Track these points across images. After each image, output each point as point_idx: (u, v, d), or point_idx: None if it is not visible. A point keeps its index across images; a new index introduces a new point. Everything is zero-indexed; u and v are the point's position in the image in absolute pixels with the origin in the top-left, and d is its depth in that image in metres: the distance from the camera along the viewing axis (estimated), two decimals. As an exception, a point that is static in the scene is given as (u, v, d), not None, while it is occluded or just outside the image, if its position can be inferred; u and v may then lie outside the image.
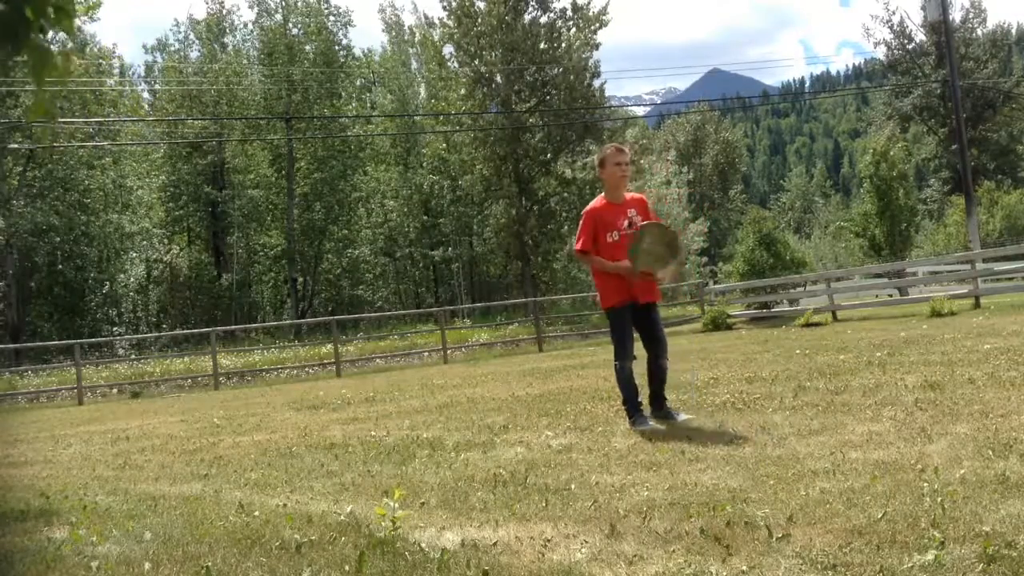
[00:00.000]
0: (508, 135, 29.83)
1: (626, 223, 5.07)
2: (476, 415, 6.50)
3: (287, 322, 28.70)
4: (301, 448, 5.62)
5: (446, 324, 20.74)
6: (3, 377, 19.41)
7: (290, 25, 36.83)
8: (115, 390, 18.31)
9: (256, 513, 3.48)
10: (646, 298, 5.13)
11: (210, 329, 21.33)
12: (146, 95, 40.56)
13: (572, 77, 29.98)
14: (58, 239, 28.80)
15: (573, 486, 3.43)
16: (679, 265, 4.99)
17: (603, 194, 5.23)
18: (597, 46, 30.96)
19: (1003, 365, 5.96)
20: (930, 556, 2.10)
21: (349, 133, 35.73)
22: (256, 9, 36.79)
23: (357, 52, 40.50)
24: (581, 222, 5.12)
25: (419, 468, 4.33)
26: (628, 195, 5.21)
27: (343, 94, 36.70)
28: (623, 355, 5.09)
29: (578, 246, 5.11)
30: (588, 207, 5.20)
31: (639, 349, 5.20)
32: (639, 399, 5.12)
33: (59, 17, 2.24)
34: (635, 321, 5.16)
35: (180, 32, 38.98)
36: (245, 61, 37.39)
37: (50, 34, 2.28)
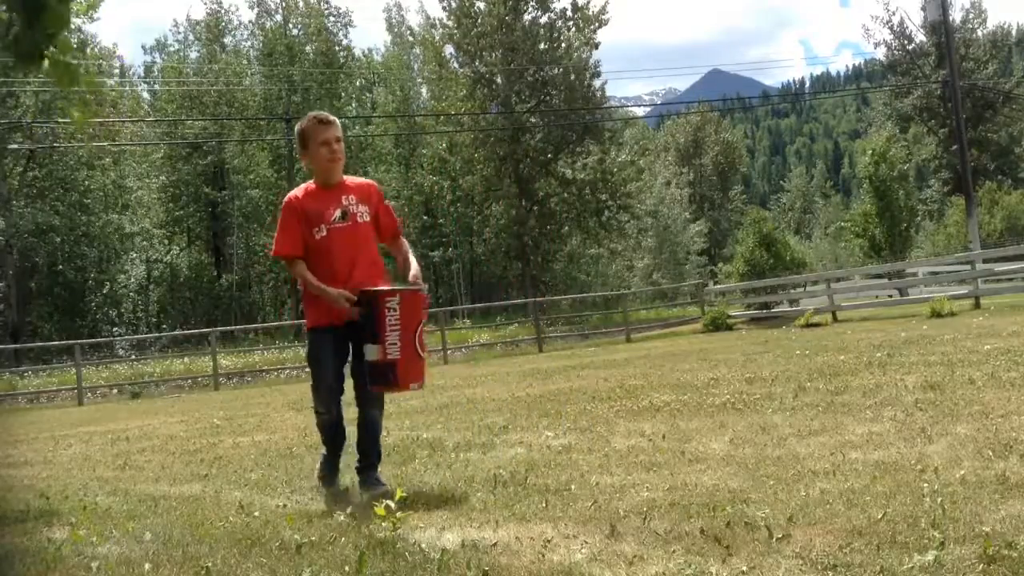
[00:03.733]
0: (508, 135, 29.84)
1: (338, 213, 3.77)
2: (476, 415, 6.50)
3: (287, 322, 28.70)
4: (301, 448, 5.62)
5: (446, 325, 20.74)
6: (3, 377, 19.42)
7: (290, 26, 36.84)
8: (115, 390, 18.31)
9: (256, 513, 3.48)
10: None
11: (210, 329, 21.34)
12: (146, 95, 40.59)
13: (572, 77, 29.99)
14: (58, 239, 28.82)
15: (573, 486, 3.43)
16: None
17: (311, 180, 3.97)
18: (597, 45, 30.98)
19: (1003, 365, 5.96)
20: (930, 556, 2.10)
21: (349, 134, 35.76)
22: (256, 10, 36.84)
23: (357, 52, 40.56)
24: (280, 217, 3.85)
25: (419, 468, 4.34)
26: (347, 179, 3.93)
27: (343, 95, 36.72)
28: (316, 398, 3.85)
29: (275, 248, 3.86)
30: (289, 196, 3.89)
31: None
32: (340, 454, 3.98)
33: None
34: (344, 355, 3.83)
35: (180, 32, 39.03)
36: (245, 61, 37.40)
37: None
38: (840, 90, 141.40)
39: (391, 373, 3.64)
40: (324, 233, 3.77)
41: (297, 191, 3.90)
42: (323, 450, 4.02)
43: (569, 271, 34.43)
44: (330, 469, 3.98)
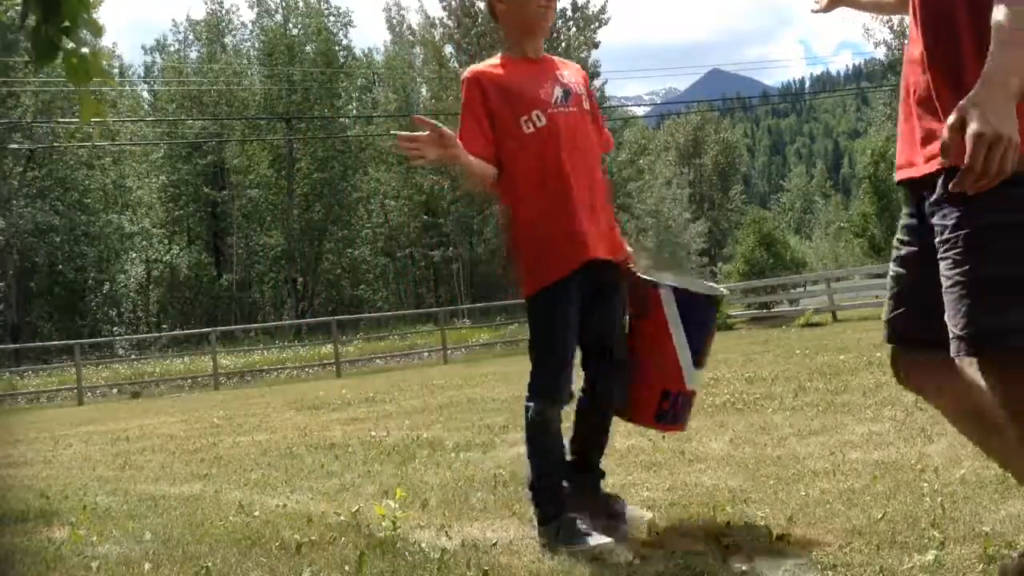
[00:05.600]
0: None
1: (558, 91, 2.58)
2: (476, 415, 6.50)
3: (287, 322, 28.71)
4: (301, 448, 5.62)
5: (446, 324, 20.74)
6: (3, 377, 19.40)
7: (290, 26, 36.84)
8: (115, 390, 18.30)
9: (256, 513, 3.48)
10: (603, 251, 2.58)
11: (210, 329, 21.34)
12: (146, 95, 40.59)
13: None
14: (58, 239, 28.81)
15: (573, 486, 3.43)
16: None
17: (503, 51, 2.72)
18: (597, 45, 31.01)
19: None
20: (930, 556, 2.10)
21: (349, 133, 35.74)
22: (256, 10, 36.84)
23: (358, 52, 40.57)
24: (463, 101, 2.59)
25: (419, 468, 4.33)
26: (551, 57, 2.74)
27: (343, 95, 36.71)
28: (551, 387, 2.57)
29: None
30: (472, 69, 2.64)
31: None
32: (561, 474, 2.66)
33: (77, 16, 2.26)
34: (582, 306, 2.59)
35: (180, 32, 39.05)
36: (245, 61, 37.40)
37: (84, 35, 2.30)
38: (840, 90, 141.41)
39: (688, 410, 2.71)
40: (542, 122, 2.51)
41: (486, 64, 2.65)
42: (535, 493, 2.63)
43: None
44: (562, 509, 2.57)
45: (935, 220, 1.65)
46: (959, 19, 1.61)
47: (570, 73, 2.67)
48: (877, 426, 4.12)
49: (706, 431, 4.52)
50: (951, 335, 1.62)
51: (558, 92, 2.56)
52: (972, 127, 1.40)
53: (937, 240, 1.64)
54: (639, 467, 3.72)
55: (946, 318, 1.63)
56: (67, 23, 2.13)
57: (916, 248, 1.75)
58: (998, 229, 1.53)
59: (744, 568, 2.22)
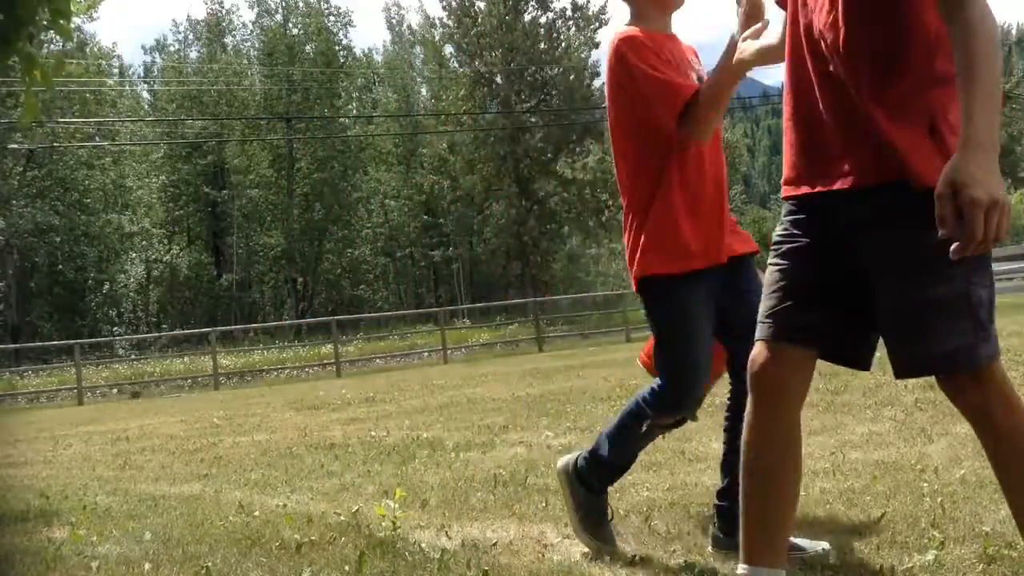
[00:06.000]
0: (508, 135, 29.84)
1: (696, 81, 2.29)
2: (476, 415, 6.50)
3: (287, 322, 28.71)
4: (301, 448, 5.62)
5: (446, 324, 20.74)
6: (3, 377, 19.40)
7: (290, 26, 36.87)
8: (115, 390, 18.30)
9: (256, 513, 3.48)
10: (740, 247, 2.36)
11: (210, 329, 21.34)
12: (145, 95, 40.61)
13: (572, 77, 30.01)
14: (58, 239, 28.84)
15: (573, 486, 3.43)
16: None
17: (629, 22, 2.36)
18: (597, 45, 31.00)
19: (1003, 365, 5.95)
20: (930, 556, 2.10)
21: (349, 133, 35.76)
22: (256, 9, 36.87)
23: (358, 52, 40.60)
24: (638, 68, 2.19)
25: (419, 468, 4.33)
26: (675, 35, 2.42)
27: (343, 94, 36.73)
28: (682, 404, 2.34)
29: (671, 92, 2.17)
30: (625, 35, 2.25)
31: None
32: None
33: (55, 18, 2.25)
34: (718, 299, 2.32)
35: (180, 32, 39.10)
36: (245, 61, 37.43)
37: (48, 35, 2.30)
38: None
39: None
40: None
41: (633, 31, 2.27)
42: (598, 478, 2.54)
43: (569, 271, 34.41)
44: (604, 485, 2.52)
45: (867, 238, 1.60)
46: (906, 33, 1.59)
47: (695, 59, 2.41)
48: (877, 426, 4.12)
49: (706, 431, 4.51)
50: (906, 355, 1.60)
51: (695, 80, 2.29)
52: (967, 194, 1.38)
53: (877, 259, 1.60)
54: (639, 467, 3.71)
55: (893, 340, 1.61)
56: (24, 21, 2.13)
57: (809, 240, 1.69)
58: (943, 252, 1.48)
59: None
